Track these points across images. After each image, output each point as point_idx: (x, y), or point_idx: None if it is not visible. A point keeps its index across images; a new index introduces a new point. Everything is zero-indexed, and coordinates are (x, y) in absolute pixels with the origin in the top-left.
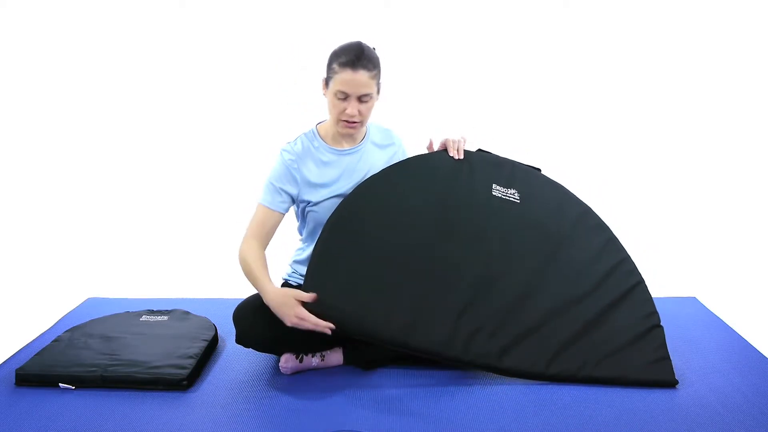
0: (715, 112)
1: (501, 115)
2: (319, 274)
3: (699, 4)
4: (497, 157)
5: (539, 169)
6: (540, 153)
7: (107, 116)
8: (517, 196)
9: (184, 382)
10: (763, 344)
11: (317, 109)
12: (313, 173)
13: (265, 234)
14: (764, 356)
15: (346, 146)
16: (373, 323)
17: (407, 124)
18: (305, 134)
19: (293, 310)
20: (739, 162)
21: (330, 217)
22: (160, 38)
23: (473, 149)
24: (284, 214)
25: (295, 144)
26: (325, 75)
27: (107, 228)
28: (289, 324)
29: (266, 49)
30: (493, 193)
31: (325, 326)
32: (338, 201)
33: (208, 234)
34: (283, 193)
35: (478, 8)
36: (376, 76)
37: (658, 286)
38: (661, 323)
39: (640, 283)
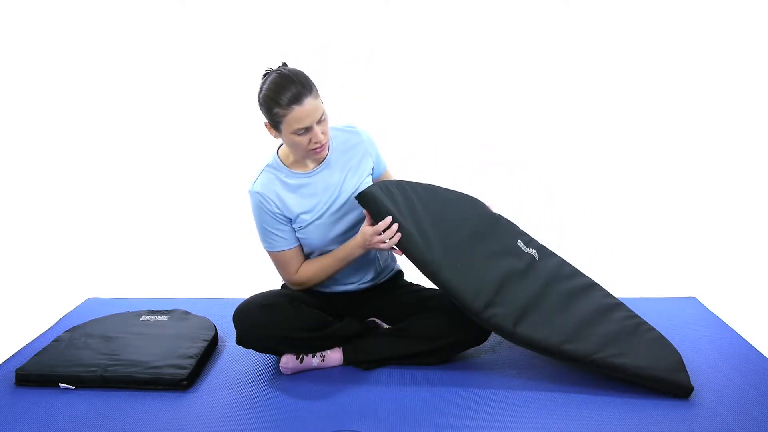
0: (715, 112)
1: (501, 114)
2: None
3: (699, 4)
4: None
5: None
6: (540, 153)
7: (107, 116)
8: (535, 253)
9: (184, 382)
10: (763, 344)
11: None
12: (289, 202)
13: (301, 263)
14: (764, 356)
15: (311, 167)
16: (418, 245)
17: (407, 124)
18: (268, 165)
19: (377, 238)
20: (739, 162)
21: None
22: (160, 38)
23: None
24: (298, 244)
25: (261, 180)
26: (265, 120)
27: (107, 228)
28: (379, 248)
29: (266, 48)
30: (517, 244)
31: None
32: (320, 224)
33: (208, 234)
34: (280, 232)
35: (478, 8)
36: (316, 92)
37: (658, 286)
38: (661, 324)
39: (660, 343)
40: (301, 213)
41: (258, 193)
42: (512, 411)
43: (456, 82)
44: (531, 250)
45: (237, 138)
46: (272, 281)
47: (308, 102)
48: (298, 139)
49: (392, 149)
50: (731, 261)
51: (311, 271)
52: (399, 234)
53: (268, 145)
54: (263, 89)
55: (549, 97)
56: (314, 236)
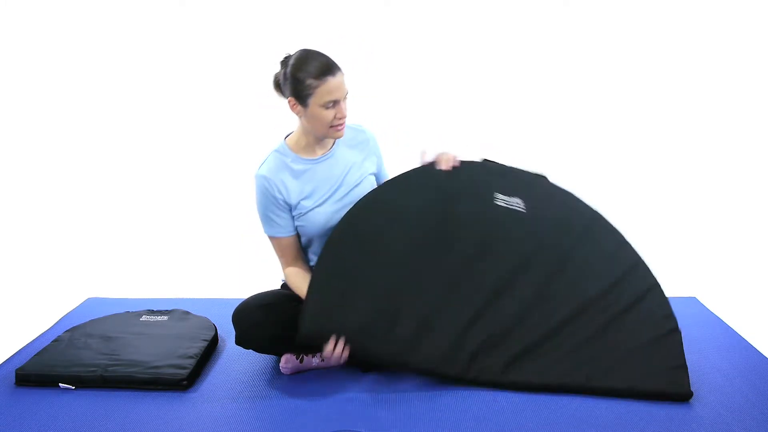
0: (715, 112)
1: (500, 114)
2: (319, 296)
3: (699, 4)
4: (501, 166)
5: (545, 177)
6: (539, 153)
7: (107, 116)
8: (522, 205)
9: (184, 382)
10: (763, 344)
11: None
12: (291, 188)
13: (294, 255)
14: (764, 356)
15: (319, 154)
16: (373, 343)
17: (407, 124)
18: (276, 150)
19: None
20: (739, 162)
21: (330, 236)
22: (160, 37)
23: (478, 159)
24: (297, 233)
25: (267, 164)
26: (294, 96)
27: (107, 228)
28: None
29: (266, 48)
30: (496, 203)
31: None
32: (321, 212)
33: (208, 234)
34: (279, 218)
35: (478, 7)
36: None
37: None
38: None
39: (655, 286)
40: (302, 199)
41: (263, 176)
42: (512, 410)
43: (456, 82)
44: (515, 200)
45: (237, 138)
46: (272, 281)
47: (339, 75)
48: (324, 112)
49: (392, 149)
50: (731, 261)
51: (295, 281)
52: (346, 350)
53: (268, 145)
54: (291, 65)
55: (549, 97)
56: (313, 223)
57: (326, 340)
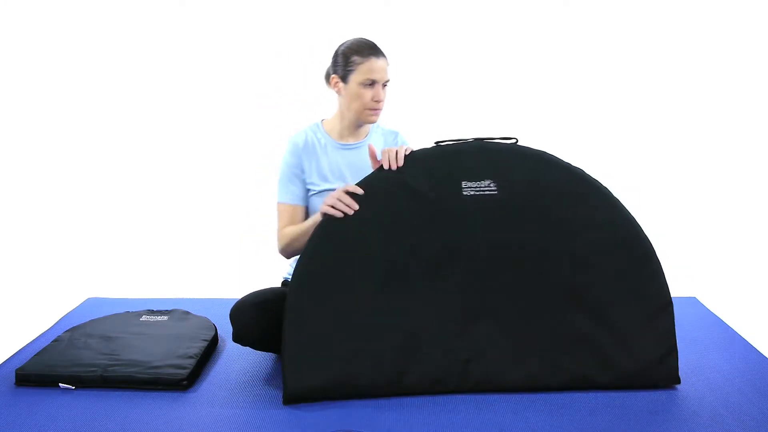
0: (715, 112)
1: (500, 114)
2: (296, 348)
3: (700, 3)
4: (459, 144)
5: (515, 140)
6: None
7: (107, 116)
8: (492, 186)
9: (184, 382)
10: (763, 344)
11: (318, 108)
12: (316, 163)
13: (285, 224)
14: (764, 356)
15: (351, 141)
16: (363, 379)
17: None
18: (309, 127)
19: (336, 194)
20: (739, 162)
21: (292, 280)
22: (160, 37)
23: (429, 144)
24: (306, 207)
25: (300, 135)
26: (337, 73)
27: (107, 228)
28: (328, 203)
29: (266, 49)
30: (464, 193)
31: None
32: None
33: (208, 234)
34: (294, 186)
35: (479, 8)
36: (388, 63)
37: None
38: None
39: (650, 257)
40: (319, 178)
41: (295, 143)
42: (513, 410)
43: (456, 82)
44: (484, 183)
45: (237, 138)
46: (272, 281)
47: (383, 61)
48: (363, 90)
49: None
50: (731, 261)
51: (292, 229)
52: (351, 208)
53: (268, 145)
54: (342, 45)
55: (548, 97)
56: (318, 205)
57: (314, 397)
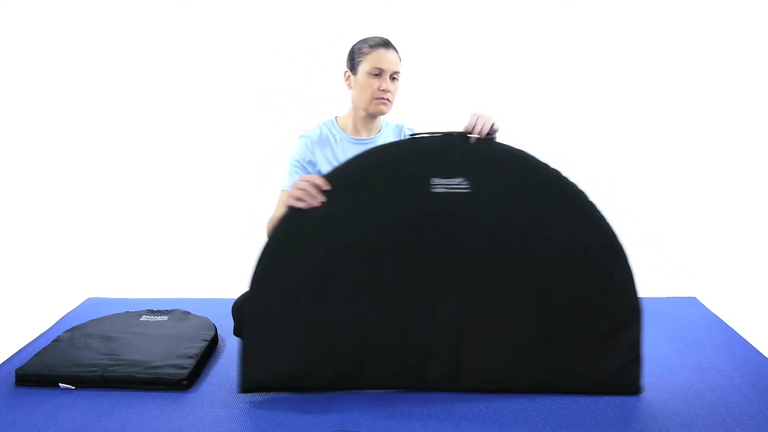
0: (716, 112)
1: (500, 114)
2: (253, 340)
3: (700, 4)
4: (435, 138)
5: (492, 138)
6: (539, 153)
7: (107, 116)
8: (464, 183)
9: (184, 382)
10: (763, 344)
11: (318, 108)
12: (331, 153)
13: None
14: (764, 356)
15: (365, 135)
16: (320, 372)
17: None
18: (324, 123)
19: (300, 184)
20: (739, 162)
21: (253, 270)
22: (160, 37)
23: (406, 135)
24: None
25: (314, 129)
26: (348, 67)
27: (107, 228)
28: (294, 195)
29: (266, 49)
30: (434, 190)
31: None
32: None
33: (208, 234)
34: (303, 172)
35: (479, 9)
36: (400, 58)
37: (658, 286)
38: (662, 324)
39: (622, 266)
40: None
41: (307, 137)
42: (513, 410)
43: (456, 82)
44: (456, 180)
45: (237, 138)
46: None
47: (393, 53)
48: (370, 80)
49: None
50: (731, 261)
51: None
52: (317, 199)
53: (267, 145)
54: (356, 43)
55: (548, 97)
56: None
57: (270, 388)
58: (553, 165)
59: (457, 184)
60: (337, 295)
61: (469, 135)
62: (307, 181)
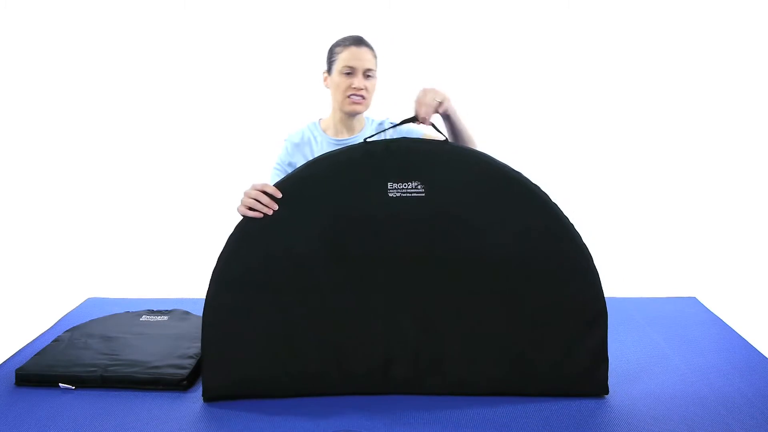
0: (716, 112)
1: (500, 115)
2: (214, 347)
3: (700, 4)
4: (387, 142)
5: (445, 139)
6: (539, 153)
7: (107, 116)
8: (420, 187)
9: (184, 382)
10: (763, 344)
11: (318, 109)
12: (311, 156)
13: None
14: (764, 356)
15: (345, 136)
16: (283, 379)
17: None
18: (307, 125)
19: (250, 191)
20: (739, 162)
21: (211, 278)
22: (160, 38)
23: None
24: None
25: (297, 133)
26: (325, 68)
27: (107, 228)
28: (245, 204)
29: (266, 49)
30: (390, 195)
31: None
32: None
33: (208, 234)
34: (287, 173)
35: (479, 9)
36: (376, 56)
37: (658, 286)
38: (661, 324)
39: (585, 267)
40: None
41: (287, 139)
42: (514, 409)
43: (456, 82)
44: (412, 184)
45: (237, 138)
46: None
47: (365, 51)
48: (342, 79)
49: None
50: (731, 261)
51: None
52: (269, 208)
53: (267, 145)
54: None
55: (548, 97)
56: None
57: (233, 395)
58: (514, 166)
59: (413, 187)
60: (295, 301)
61: (416, 118)
62: (258, 190)
